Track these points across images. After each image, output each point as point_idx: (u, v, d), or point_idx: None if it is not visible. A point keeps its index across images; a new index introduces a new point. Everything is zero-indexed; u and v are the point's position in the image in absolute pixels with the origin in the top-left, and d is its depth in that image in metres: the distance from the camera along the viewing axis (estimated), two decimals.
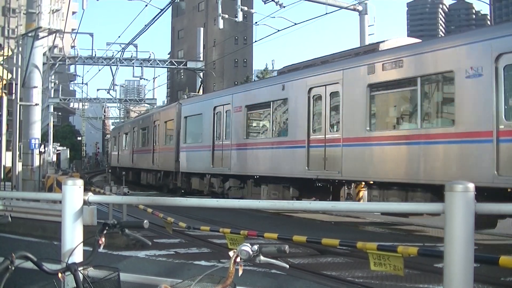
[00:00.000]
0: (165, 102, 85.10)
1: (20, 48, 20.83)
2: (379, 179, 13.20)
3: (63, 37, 23.96)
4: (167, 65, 42.67)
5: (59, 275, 2.89)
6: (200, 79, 31.17)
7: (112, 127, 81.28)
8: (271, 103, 17.56)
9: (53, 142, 52.23)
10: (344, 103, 14.16)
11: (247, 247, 2.69)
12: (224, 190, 20.51)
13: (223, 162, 19.91)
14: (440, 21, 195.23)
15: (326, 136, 14.87)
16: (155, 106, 53.67)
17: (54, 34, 19.54)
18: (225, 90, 23.94)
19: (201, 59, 42.98)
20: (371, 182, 13.75)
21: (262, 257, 2.73)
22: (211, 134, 21.03)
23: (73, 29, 43.76)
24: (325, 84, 14.97)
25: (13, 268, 2.64)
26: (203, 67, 41.64)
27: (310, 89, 15.49)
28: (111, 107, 76.01)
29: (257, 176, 18.48)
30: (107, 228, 3.20)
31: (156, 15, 25.29)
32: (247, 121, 19.01)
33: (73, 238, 3.96)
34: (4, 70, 22.72)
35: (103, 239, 3.18)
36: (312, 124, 15.59)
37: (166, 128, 27.79)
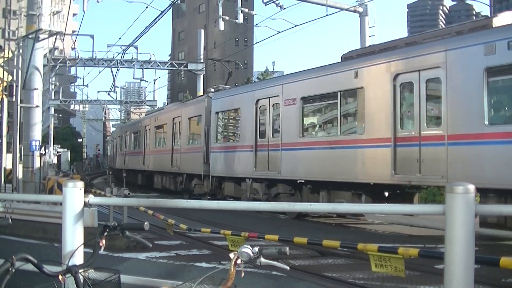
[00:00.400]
0: (166, 104, 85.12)
1: (20, 50, 20.85)
2: None
3: (63, 39, 23.98)
4: (167, 66, 42.74)
5: (60, 277, 2.88)
6: (229, 72, 26.39)
7: (112, 129, 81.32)
8: (338, 94, 14.70)
9: (53, 144, 52.27)
10: (448, 92, 11.57)
11: (247, 249, 2.69)
12: (269, 197, 17.57)
13: (270, 165, 17.06)
14: (441, 23, 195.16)
15: (422, 133, 12.19)
16: (155, 108, 53.63)
17: (54, 36, 19.58)
18: (271, 80, 20.27)
19: (202, 60, 42.98)
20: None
21: (262, 259, 2.73)
22: (253, 132, 18.15)
23: (73, 31, 43.76)
24: (419, 70, 12.31)
25: (13, 270, 2.63)
26: (204, 68, 41.63)
27: (397, 75, 12.86)
28: (111, 109, 75.86)
29: (302, 181, 16.08)
30: (107, 230, 3.20)
31: (157, 17, 25.42)
32: (302, 116, 16.10)
33: (73, 240, 3.96)
34: (5, 72, 22.73)
35: (104, 241, 3.18)
36: (401, 119, 12.91)
37: (190, 126, 24.43)
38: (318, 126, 16.57)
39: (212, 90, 23.69)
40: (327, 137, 15.53)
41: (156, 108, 44.54)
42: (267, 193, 17.81)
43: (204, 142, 21.85)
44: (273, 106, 17.38)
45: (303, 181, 15.95)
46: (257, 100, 18.15)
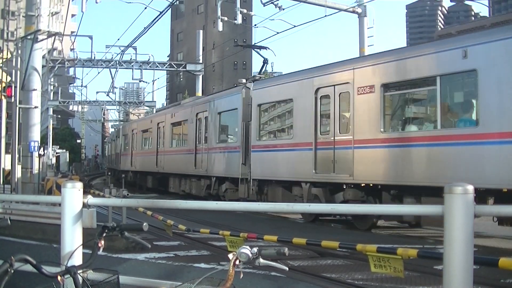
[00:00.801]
0: (165, 105, 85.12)
1: (19, 51, 20.85)
2: None
3: (62, 40, 23.95)
4: (166, 67, 42.68)
5: (59, 278, 2.88)
6: (264, 60, 21.62)
7: (111, 129, 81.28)
8: (437, 78, 11.89)
9: (52, 145, 52.23)
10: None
11: (246, 250, 2.70)
12: None
13: (338, 166, 14.16)
14: (440, 23, 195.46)
15: None
16: (154, 109, 53.60)
17: (53, 37, 19.56)
18: (336, 64, 15.84)
19: (201, 61, 42.98)
20: None
21: (261, 260, 2.73)
22: (311, 127, 15.13)
23: (72, 32, 43.89)
24: None
25: (12, 271, 2.63)
26: (202, 69, 41.63)
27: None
28: (110, 109, 75.95)
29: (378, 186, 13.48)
30: (106, 230, 3.20)
31: (156, 18, 25.35)
32: (384, 107, 13.16)
33: (72, 241, 3.96)
34: (3, 72, 22.74)
35: (103, 242, 3.18)
36: None
37: (221, 122, 21.12)
38: (407, 118, 13.47)
39: (244, 80, 20.48)
40: (422, 132, 12.69)
41: (168, 105, 40.49)
42: (330, 200, 14.86)
43: (241, 140, 18.64)
44: (340, 95, 14.37)
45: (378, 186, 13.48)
46: (317, 89, 15.06)
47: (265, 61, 21.19)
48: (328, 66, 15.73)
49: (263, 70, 20.90)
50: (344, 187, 14.31)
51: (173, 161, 25.98)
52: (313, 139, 15.05)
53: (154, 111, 49.82)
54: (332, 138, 14.44)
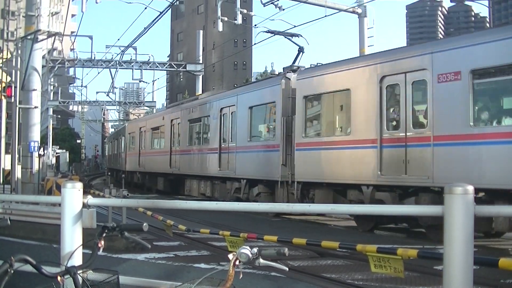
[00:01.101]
0: (165, 105, 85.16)
1: (19, 51, 20.86)
2: None
3: (62, 40, 23.96)
4: (166, 67, 42.69)
5: (58, 278, 2.88)
6: (300, 48, 19.33)
7: (111, 130, 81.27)
8: None
9: (52, 145, 52.25)
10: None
11: (246, 250, 2.69)
12: None
13: (411, 167, 12.13)
14: (440, 24, 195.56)
15: None
16: (154, 109, 53.58)
17: (53, 37, 19.57)
18: (408, 48, 14.43)
19: (201, 61, 42.99)
20: None
21: (261, 260, 2.73)
22: (375, 122, 13.08)
23: (72, 32, 43.89)
24: None
25: (12, 271, 2.63)
26: (203, 69, 41.65)
27: None
28: (110, 109, 76.01)
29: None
30: (106, 231, 3.20)
31: (156, 18, 25.35)
32: (473, 98, 11.13)
33: (72, 241, 3.96)
34: (3, 72, 22.75)
35: (103, 242, 3.18)
36: None
37: (252, 117, 18.72)
38: (505, 110, 11.40)
39: (277, 72, 18.52)
40: None
41: (182, 100, 35.94)
42: None
43: (281, 137, 16.49)
44: (412, 84, 12.51)
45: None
46: (382, 77, 13.08)
47: (301, 50, 19.05)
48: (396, 51, 13.80)
49: (298, 61, 18.77)
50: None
51: (191, 161, 23.61)
52: (378, 135, 12.96)
53: (154, 111, 49.67)
54: (403, 134, 12.40)
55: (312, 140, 15.64)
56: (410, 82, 12.44)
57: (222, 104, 20.80)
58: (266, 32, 20.38)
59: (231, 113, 19.87)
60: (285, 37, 20.22)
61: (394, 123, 12.88)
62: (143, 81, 43.08)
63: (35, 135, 18.94)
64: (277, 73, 18.04)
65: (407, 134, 12.31)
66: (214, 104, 21.68)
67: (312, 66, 17.11)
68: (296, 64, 18.19)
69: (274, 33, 20.48)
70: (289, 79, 16.73)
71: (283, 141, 16.41)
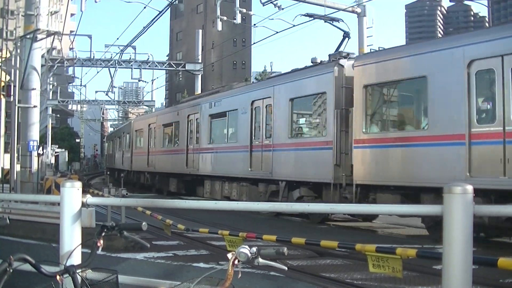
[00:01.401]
0: (164, 104, 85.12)
1: (18, 50, 20.83)
2: None
3: (61, 39, 23.95)
4: (165, 67, 42.69)
5: (57, 277, 2.88)
6: (345, 33, 17.93)
7: (110, 129, 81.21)
8: None
9: (51, 144, 52.22)
10: None
11: (245, 249, 2.69)
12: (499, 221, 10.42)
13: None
14: (439, 24, 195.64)
15: None
16: (153, 108, 53.54)
17: (52, 36, 19.57)
18: (508, 27, 11.84)
19: (200, 61, 42.98)
20: None
21: (260, 259, 2.73)
22: (459, 114, 11.14)
23: (71, 31, 43.84)
24: None
25: (11, 270, 2.63)
26: (202, 69, 41.64)
27: None
28: (109, 109, 75.94)
29: None
30: (105, 230, 3.20)
31: (155, 17, 25.28)
32: None
33: (71, 240, 3.96)
34: (3, 72, 22.73)
35: (102, 241, 3.18)
36: None
37: (294, 110, 16.50)
38: None
39: (319, 60, 16.30)
40: None
41: (200, 94, 32.39)
42: None
43: (334, 133, 14.31)
44: None
45: None
46: (471, 62, 11.05)
47: (346, 35, 17.65)
48: (489, 31, 11.96)
49: (344, 47, 16.95)
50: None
51: (213, 160, 21.33)
52: (466, 130, 11.01)
53: (153, 110, 49.55)
54: (500, 128, 10.51)
55: (375, 136, 13.46)
56: (509, 67, 10.42)
57: (253, 97, 18.47)
58: (305, 15, 19.21)
59: (265, 107, 17.65)
60: (325, 22, 19.16)
61: (487, 115, 10.99)
62: (142, 81, 43.05)
63: (34, 134, 18.94)
64: (319, 62, 16.12)
65: (506, 128, 10.34)
66: (243, 97, 19.31)
67: (372, 51, 15.76)
68: (341, 51, 16.08)
69: (314, 16, 19.33)
70: (343, 66, 14.51)
71: (336, 138, 14.19)
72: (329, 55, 16.15)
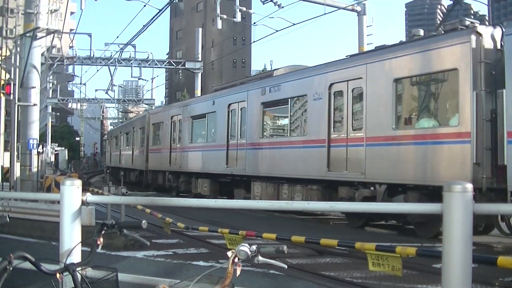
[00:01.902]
0: (164, 103, 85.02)
1: (18, 48, 20.78)
2: None
3: (61, 38, 23.89)
4: (165, 65, 42.61)
5: (57, 275, 2.88)
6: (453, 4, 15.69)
7: (110, 127, 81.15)
8: None
9: (51, 143, 52.20)
10: None
11: (245, 248, 2.69)
12: None
13: None
14: (439, 22, 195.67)
15: None
16: (153, 107, 53.48)
17: (52, 34, 19.51)
18: None
19: (200, 59, 42.96)
20: None
21: (260, 258, 2.73)
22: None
23: (71, 30, 43.74)
24: None
25: (11, 268, 2.63)
26: (202, 67, 41.61)
27: None
28: (109, 107, 75.85)
29: None
30: (105, 228, 3.20)
31: (155, 16, 25.30)
32: None
33: (71, 239, 3.96)
34: (2, 70, 22.72)
35: (102, 240, 3.18)
36: None
37: (401, 95, 12.77)
38: None
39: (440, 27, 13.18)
40: None
41: (247, 77, 28.64)
42: None
43: (472, 122, 10.69)
44: None
45: None
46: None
47: (457, 1, 15.33)
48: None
49: (444, 22, 14.03)
50: None
51: (269, 158, 17.43)
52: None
53: (154, 108, 49.44)
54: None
55: (426, 132, 11.56)
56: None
57: (332, 78, 14.49)
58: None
59: (352, 90, 13.77)
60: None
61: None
62: (142, 79, 43.01)
63: (34, 132, 18.90)
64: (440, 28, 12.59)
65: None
66: (316, 79, 15.35)
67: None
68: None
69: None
70: (481, 34, 10.89)
71: (475, 128, 10.63)
72: (443, 26, 13.18)
